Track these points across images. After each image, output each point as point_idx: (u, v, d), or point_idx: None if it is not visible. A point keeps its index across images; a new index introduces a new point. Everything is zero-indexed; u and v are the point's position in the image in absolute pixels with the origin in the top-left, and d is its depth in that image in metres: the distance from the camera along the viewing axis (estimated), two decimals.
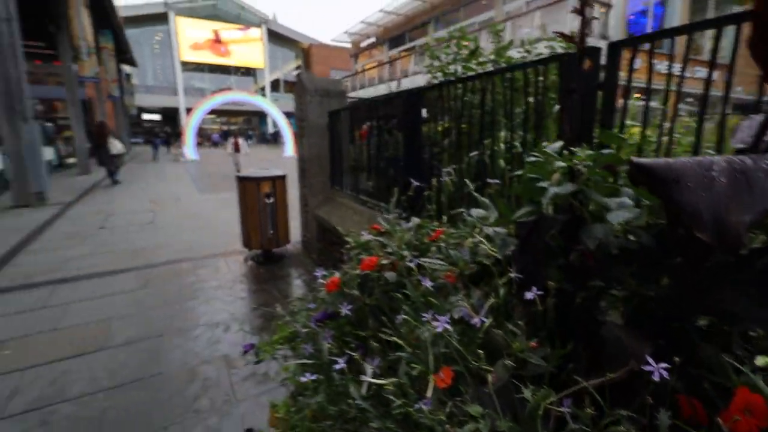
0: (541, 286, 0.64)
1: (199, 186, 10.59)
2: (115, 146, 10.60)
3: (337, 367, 0.72)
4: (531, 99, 1.84)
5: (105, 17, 15.76)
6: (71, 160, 14.39)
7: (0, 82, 6.98)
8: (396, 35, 23.84)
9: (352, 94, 23.67)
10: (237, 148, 12.28)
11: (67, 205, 7.50)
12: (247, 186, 4.11)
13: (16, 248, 4.82)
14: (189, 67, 34.06)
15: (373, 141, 3.30)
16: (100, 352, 2.64)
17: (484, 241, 0.76)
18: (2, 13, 6.90)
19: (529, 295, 0.64)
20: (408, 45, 22.96)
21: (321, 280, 1.03)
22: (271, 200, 4.11)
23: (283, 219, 4.34)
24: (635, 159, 0.51)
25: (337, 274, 1.03)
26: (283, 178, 4.30)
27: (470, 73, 3.08)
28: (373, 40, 25.95)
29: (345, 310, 0.86)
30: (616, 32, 12.54)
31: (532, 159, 1.01)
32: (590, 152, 0.65)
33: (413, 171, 2.58)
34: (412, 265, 0.79)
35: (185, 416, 2.08)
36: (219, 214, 6.94)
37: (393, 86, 19.36)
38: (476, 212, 0.94)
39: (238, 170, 12.01)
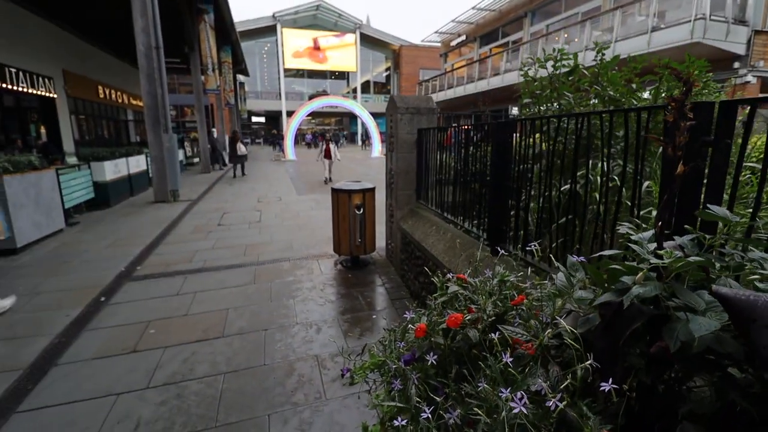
0: (618, 380, 0.68)
1: (297, 186, 11.60)
2: (241, 149, 13.68)
3: (423, 416, 0.85)
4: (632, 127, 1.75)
5: (226, 35, 18.01)
6: (195, 160, 16.90)
7: (149, 99, 8.50)
8: (488, 32, 23.11)
9: (440, 95, 23.61)
10: (328, 154, 12.32)
11: (193, 202, 8.85)
12: (340, 197, 4.46)
13: (157, 240, 5.89)
14: (290, 72, 37.31)
15: (460, 161, 3.36)
16: (219, 339, 3.15)
17: (562, 321, 0.81)
18: (153, 43, 8.38)
19: (604, 386, 0.69)
20: (501, 41, 22.10)
21: (411, 326, 1.17)
22: (361, 211, 4.41)
23: (370, 229, 4.61)
24: (716, 288, 0.53)
25: (424, 319, 1.16)
26: (372, 190, 4.57)
27: (567, 94, 2.95)
28: (463, 38, 25.48)
29: (431, 359, 0.99)
30: (758, 13, 10.50)
31: (624, 229, 1.02)
32: (678, 257, 0.66)
33: (500, 199, 2.59)
34: (494, 336, 0.87)
35: (284, 407, 2.41)
36: (313, 215, 7.60)
37: (483, 86, 18.85)
38: (560, 279, 0.98)
39: (328, 176, 12.46)
